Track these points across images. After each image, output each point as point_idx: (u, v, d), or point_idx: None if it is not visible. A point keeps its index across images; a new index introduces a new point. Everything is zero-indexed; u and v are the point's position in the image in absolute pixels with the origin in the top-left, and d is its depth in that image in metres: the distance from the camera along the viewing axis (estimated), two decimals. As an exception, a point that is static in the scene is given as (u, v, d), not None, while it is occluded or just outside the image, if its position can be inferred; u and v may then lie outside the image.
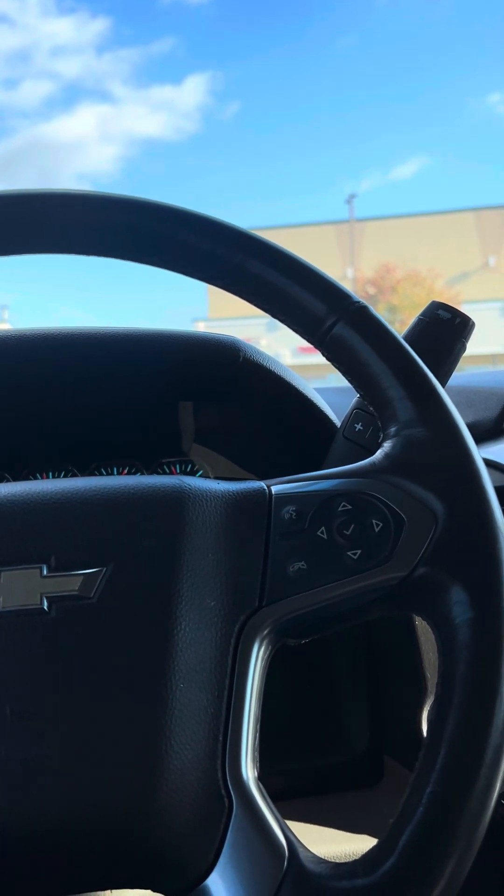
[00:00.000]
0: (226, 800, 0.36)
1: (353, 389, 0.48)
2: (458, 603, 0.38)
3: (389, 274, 23.49)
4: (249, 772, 0.37)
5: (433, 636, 0.39)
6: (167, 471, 0.74)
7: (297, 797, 0.72)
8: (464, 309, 0.59)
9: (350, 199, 27.24)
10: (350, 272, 24.13)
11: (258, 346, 0.70)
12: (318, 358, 0.48)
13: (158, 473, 0.74)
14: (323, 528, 0.41)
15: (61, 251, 0.47)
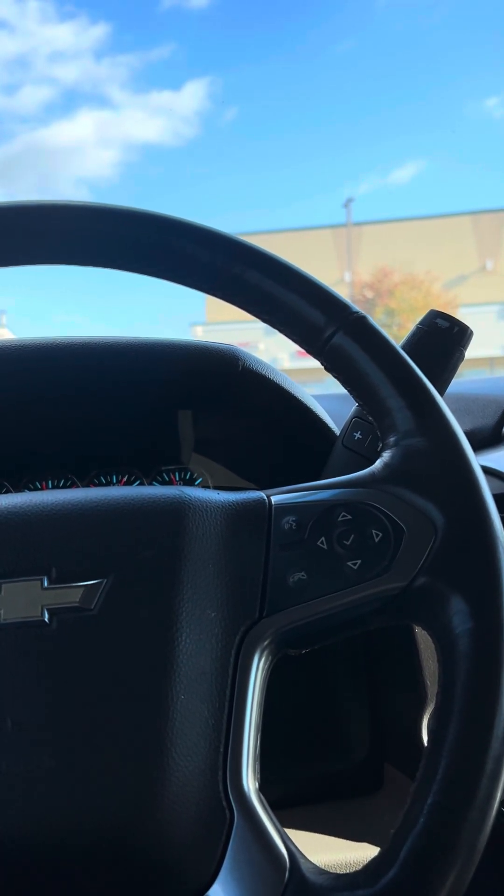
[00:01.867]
0: (227, 811, 0.36)
1: (353, 398, 0.48)
2: (458, 613, 0.38)
3: (387, 277, 23.45)
4: (250, 783, 0.37)
5: (433, 645, 0.40)
6: (167, 479, 0.74)
7: (297, 805, 0.72)
8: (461, 312, 0.60)
9: (347, 203, 27.31)
10: (347, 276, 24.12)
11: (256, 351, 0.70)
12: (316, 362, 0.48)
13: (158, 482, 0.74)
14: (323, 538, 0.41)
15: (63, 262, 0.47)
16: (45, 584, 0.39)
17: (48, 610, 0.38)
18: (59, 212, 0.45)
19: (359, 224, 26.52)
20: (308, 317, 0.46)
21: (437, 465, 0.42)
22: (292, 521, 0.41)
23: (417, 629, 0.65)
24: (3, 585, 0.39)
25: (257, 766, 0.38)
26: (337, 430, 0.67)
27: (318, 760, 0.74)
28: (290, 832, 0.37)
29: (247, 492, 0.44)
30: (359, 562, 0.40)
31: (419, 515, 0.41)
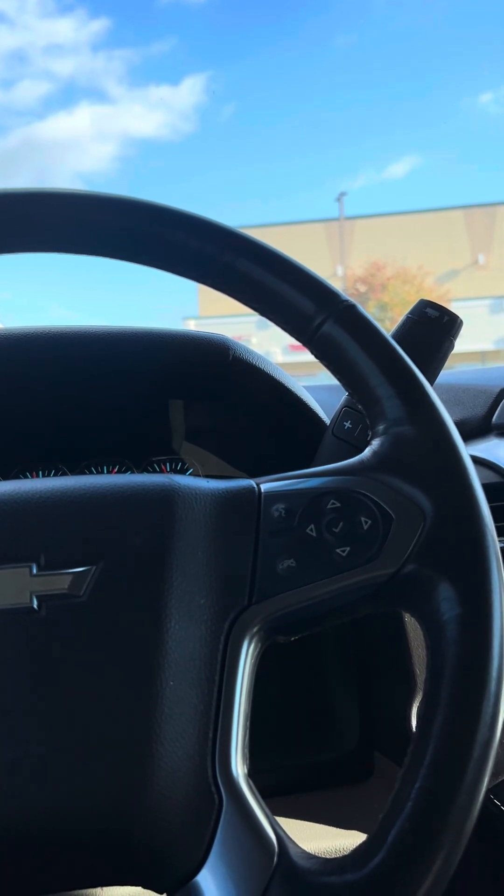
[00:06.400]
0: (216, 796, 0.36)
1: (343, 387, 0.48)
2: (447, 599, 0.38)
3: (380, 272, 23.46)
4: (239, 769, 0.37)
5: (422, 632, 0.40)
6: (157, 469, 0.74)
7: (287, 793, 0.72)
8: (453, 306, 0.60)
9: (340, 197, 27.22)
10: (340, 270, 24.11)
11: (249, 344, 0.70)
12: (308, 356, 0.48)
13: (149, 472, 0.74)
14: (312, 525, 0.41)
15: (53, 250, 0.47)
16: (34, 571, 0.39)
17: (37, 597, 0.38)
18: (51, 200, 0.45)
19: (351, 218, 26.48)
20: (298, 305, 0.46)
21: (425, 453, 0.42)
22: (282, 508, 0.41)
23: (407, 617, 0.65)
24: None
25: (246, 752, 0.38)
26: (327, 420, 0.67)
27: (307, 749, 0.74)
28: (280, 820, 0.37)
29: (237, 480, 0.44)
30: (347, 549, 0.40)
31: (408, 503, 0.41)
